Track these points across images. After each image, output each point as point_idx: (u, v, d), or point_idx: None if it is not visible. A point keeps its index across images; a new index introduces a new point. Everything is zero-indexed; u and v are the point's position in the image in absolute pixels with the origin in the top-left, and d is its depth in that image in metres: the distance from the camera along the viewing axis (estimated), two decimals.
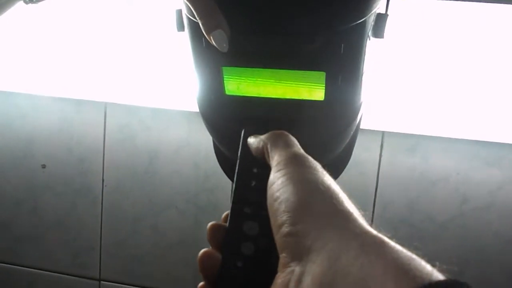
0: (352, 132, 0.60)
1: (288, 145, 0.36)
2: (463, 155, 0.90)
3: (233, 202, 0.37)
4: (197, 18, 0.44)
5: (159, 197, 1.03)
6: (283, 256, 0.30)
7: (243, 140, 0.42)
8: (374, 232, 0.28)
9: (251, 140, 0.41)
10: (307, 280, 0.27)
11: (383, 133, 0.91)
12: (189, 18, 0.48)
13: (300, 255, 0.28)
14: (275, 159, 0.35)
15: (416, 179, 0.92)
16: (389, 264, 0.25)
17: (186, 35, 0.52)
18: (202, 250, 0.35)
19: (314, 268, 0.27)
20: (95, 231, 1.08)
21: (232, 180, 0.83)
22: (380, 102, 0.86)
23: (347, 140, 0.61)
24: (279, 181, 0.32)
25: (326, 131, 0.56)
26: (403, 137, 0.91)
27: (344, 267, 0.25)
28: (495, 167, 0.89)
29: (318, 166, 0.34)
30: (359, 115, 0.57)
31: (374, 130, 0.90)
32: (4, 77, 1.01)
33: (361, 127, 0.69)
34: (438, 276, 0.24)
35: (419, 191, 0.92)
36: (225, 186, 0.99)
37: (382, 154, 0.92)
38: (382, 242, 0.27)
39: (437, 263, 0.26)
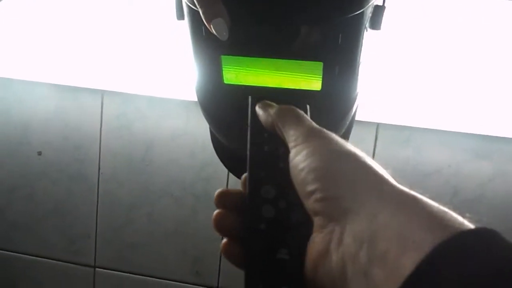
0: (347, 123, 0.61)
1: (300, 120, 0.38)
2: (455, 147, 0.91)
3: (250, 168, 0.38)
4: (197, 7, 0.45)
5: (155, 185, 1.04)
6: (318, 219, 0.31)
7: (251, 107, 0.43)
8: (407, 190, 0.31)
9: (259, 110, 0.42)
10: (349, 238, 0.28)
11: (377, 125, 0.92)
12: (189, 7, 0.49)
13: (337, 216, 0.30)
14: (291, 134, 0.36)
15: (409, 171, 0.93)
16: (424, 218, 0.27)
17: (185, 23, 0.53)
18: (216, 211, 0.38)
19: (354, 227, 0.28)
20: (90, 219, 1.09)
21: (229, 170, 0.84)
22: (375, 94, 0.87)
23: (343, 131, 0.62)
24: (303, 153, 0.34)
25: (322, 121, 0.57)
26: (397, 129, 0.92)
27: (383, 224, 0.27)
28: (486, 160, 0.91)
29: (337, 137, 0.35)
30: (355, 105, 0.58)
31: (368, 122, 0.91)
32: (1, 63, 1.01)
33: (356, 118, 0.70)
34: (469, 225, 0.27)
35: (412, 183, 0.93)
36: (221, 175, 1.00)
37: (376, 146, 0.94)
38: (416, 199, 0.29)
39: (467, 215, 0.28)
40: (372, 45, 0.58)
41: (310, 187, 0.32)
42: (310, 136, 0.35)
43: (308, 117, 0.39)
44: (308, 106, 0.44)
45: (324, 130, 0.36)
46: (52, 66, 0.99)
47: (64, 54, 0.98)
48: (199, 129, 1.00)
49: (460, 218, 0.28)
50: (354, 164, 0.32)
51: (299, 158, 0.34)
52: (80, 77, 0.99)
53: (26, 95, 1.06)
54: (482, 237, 0.26)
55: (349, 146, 0.34)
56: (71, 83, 1.00)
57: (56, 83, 1.02)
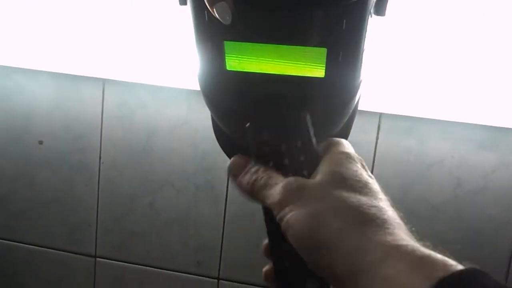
0: (350, 111, 0.61)
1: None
2: (458, 138, 0.91)
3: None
4: None
5: (156, 175, 1.03)
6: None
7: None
8: (397, 239, 0.33)
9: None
10: None
11: (380, 114, 0.92)
12: None
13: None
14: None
15: (412, 161, 0.93)
16: (404, 265, 0.30)
17: (188, 8, 0.52)
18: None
19: None
20: (91, 208, 1.08)
21: (229, 157, 0.83)
22: (379, 84, 0.87)
23: (345, 119, 0.62)
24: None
25: (324, 109, 0.57)
26: (400, 119, 0.91)
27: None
28: (489, 151, 0.90)
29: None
30: (358, 93, 0.58)
31: (371, 112, 0.90)
32: (2, 51, 1.01)
33: (359, 108, 0.69)
34: (458, 265, 0.30)
35: (415, 173, 0.93)
36: (222, 165, 1.00)
37: (379, 136, 0.93)
38: (400, 248, 0.32)
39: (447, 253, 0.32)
40: (376, 31, 0.57)
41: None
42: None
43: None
44: (308, 116, 0.44)
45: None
46: (54, 54, 0.98)
47: (66, 42, 0.97)
48: (201, 119, 0.99)
49: (446, 259, 0.31)
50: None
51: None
52: (81, 66, 0.98)
53: (27, 83, 1.06)
54: (473, 278, 0.29)
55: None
56: (72, 71, 1.00)
57: (57, 72, 1.01)
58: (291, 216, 0.34)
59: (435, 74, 0.85)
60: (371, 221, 0.33)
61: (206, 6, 0.44)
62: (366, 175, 0.38)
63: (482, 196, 0.92)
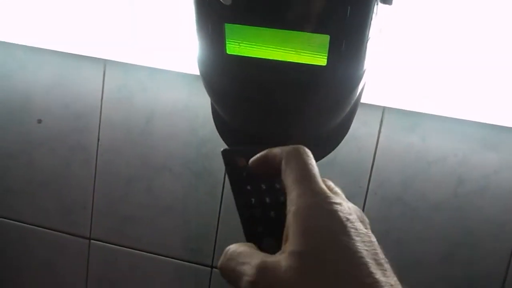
0: (352, 101, 0.59)
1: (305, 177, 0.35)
2: (462, 136, 0.89)
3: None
4: None
5: (154, 159, 1.02)
6: None
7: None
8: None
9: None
10: None
11: (383, 108, 0.90)
12: None
13: None
14: (292, 195, 0.34)
15: (413, 158, 0.91)
16: None
17: None
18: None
19: None
20: (87, 190, 1.08)
21: (228, 146, 0.82)
22: (384, 78, 0.85)
23: (347, 109, 0.60)
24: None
25: (326, 98, 0.55)
26: (404, 114, 0.90)
27: None
28: (493, 151, 0.89)
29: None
30: (361, 83, 0.56)
31: (375, 105, 0.89)
32: (4, 28, 1.00)
33: (362, 101, 0.68)
34: None
35: (416, 170, 0.92)
36: (220, 152, 0.98)
37: (381, 130, 0.92)
38: None
39: None
40: (383, 20, 0.56)
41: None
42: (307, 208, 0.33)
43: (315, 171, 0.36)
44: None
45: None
46: (56, 33, 0.97)
47: (69, 21, 0.96)
48: (201, 104, 0.98)
49: None
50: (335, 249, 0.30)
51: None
52: (83, 45, 0.97)
53: (28, 61, 1.05)
54: None
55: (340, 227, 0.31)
56: (74, 51, 0.98)
57: (59, 51, 1.00)
58: None
59: (442, 71, 0.83)
60: None
61: None
62: (343, 239, 0.30)
63: (482, 196, 0.90)
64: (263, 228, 0.37)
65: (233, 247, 0.35)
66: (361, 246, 0.30)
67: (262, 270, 0.31)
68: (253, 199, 0.38)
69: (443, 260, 0.94)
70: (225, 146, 0.94)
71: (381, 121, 0.91)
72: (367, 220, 0.35)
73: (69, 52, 0.99)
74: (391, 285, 0.29)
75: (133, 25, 0.93)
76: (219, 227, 1.02)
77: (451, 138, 0.90)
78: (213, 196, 1.01)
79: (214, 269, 1.04)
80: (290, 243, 0.31)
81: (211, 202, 1.01)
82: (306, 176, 0.34)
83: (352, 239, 0.30)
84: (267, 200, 0.39)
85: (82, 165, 1.07)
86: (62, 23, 0.96)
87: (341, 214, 0.32)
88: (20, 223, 1.13)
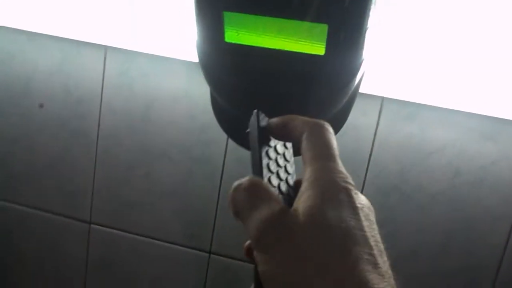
0: (350, 91, 0.60)
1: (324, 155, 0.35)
2: (460, 127, 0.90)
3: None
4: None
5: (154, 145, 1.03)
6: None
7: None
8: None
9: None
10: None
11: (382, 98, 0.91)
12: None
13: None
14: (307, 171, 0.34)
15: (411, 148, 0.92)
16: None
17: None
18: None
19: None
20: (88, 175, 1.08)
21: (227, 134, 0.83)
22: (383, 68, 0.85)
23: (346, 98, 0.61)
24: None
25: (324, 87, 0.56)
26: (402, 104, 0.90)
27: None
28: (490, 142, 0.89)
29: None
30: (359, 73, 0.56)
31: (373, 95, 0.89)
32: (5, 13, 1.00)
33: (361, 91, 0.68)
34: None
35: (413, 160, 0.92)
36: (220, 140, 0.99)
37: (380, 120, 0.92)
38: None
39: None
40: (381, 11, 0.56)
41: None
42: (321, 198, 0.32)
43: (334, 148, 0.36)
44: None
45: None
46: (58, 18, 0.97)
47: (71, 7, 0.96)
48: (201, 92, 0.98)
49: None
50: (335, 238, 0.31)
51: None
52: (84, 31, 0.97)
53: (30, 46, 1.05)
54: None
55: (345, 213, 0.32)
56: (75, 37, 0.98)
57: (60, 36, 1.00)
58: (267, 270, 0.31)
59: (441, 62, 0.83)
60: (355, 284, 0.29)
61: None
62: (353, 220, 0.31)
63: (479, 187, 0.91)
64: (277, 189, 0.37)
65: (249, 181, 0.35)
66: (368, 231, 0.31)
67: (283, 211, 0.32)
68: (269, 162, 0.38)
69: (439, 250, 0.95)
70: (225, 135, 0.94)
71: (380, 111, 0.91)
72: (374, 214, 0.36)
73: (70, 38, 0.99)
74: (387, 274, 0.30)
75: (134, 12, 0.93)
76: (218, 213, 1.03)
77: (449, 129, 0.90)
78: (212, 182, 1.02)
79: (212, 255, 1.05)
80: (306, 200, 0.32)
81: (210, 188, 1.02)
82: (328, 154, 0.35)
83: (362, 220, 0.31)
84: (280, 162, 0.38)
85: (83, 150, 1.07)
86: (64, 8, 0.96)
87: (355, 196, 0.33)
88: (22, 207, 1.14)
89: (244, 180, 0.35)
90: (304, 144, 0.36)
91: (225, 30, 0.53)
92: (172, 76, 0.99)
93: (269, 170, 0.37)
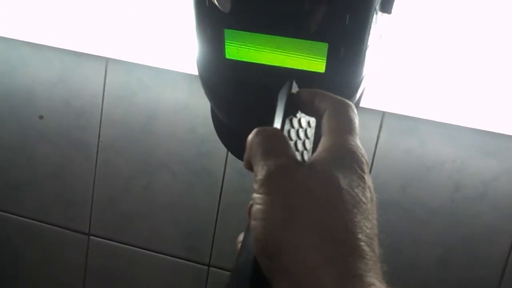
0: None
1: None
2: (461, 142, 0.89)
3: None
4: None
5: (154, 157, 1.03)
6: None
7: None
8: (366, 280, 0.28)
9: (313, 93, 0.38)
10: None
11: (383, 113, 0.91)
12: None
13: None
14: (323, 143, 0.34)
15: (412, 162, 0.92)
16: None
17: None
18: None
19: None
20: (87, 186, 1.08)
21: (227, 148, 0.83)
22: (384, 83, 0.85)
23: None
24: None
25: None
26: (403, 119, 0.90)
27: None
28: (491, 158, 0.89)
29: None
30: (359, 90, 0.56)
31: (374, 110, 0.89)
32: (7, 24, 1.00)
33: (362, 105, 0.68)
34: None
35: (414, 174, 0.92)
36: (220, 152, 0.99)
37: (380, 134, 0.92)
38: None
39: None
40: (383, 28, 0.56)
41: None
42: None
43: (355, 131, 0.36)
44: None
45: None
46: (59, 30, 0.98)
47: (72, 19, 0.96)
48: (201, 104, 0.98)
49: None
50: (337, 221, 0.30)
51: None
52: (86, 43, 0.97)
53: (31, 57, 1.05)
54: None
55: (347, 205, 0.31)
56: (76, 48, 0.99)
57: (62, 48, 1.00)
58: (261, 208, 0.30)
59: (442, 77, 0.83)
60: (343, 259, 0.28)
61: None
62: (361, 191, 0.31)
63: (480, 202, 0.91)
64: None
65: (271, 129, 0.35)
66: (371, 209, 0.32)
67: (298, 163, 0.32)
68: (291, 129, 0.37)
69: (439, 264, 0.94)
70: (223, 147, 0.94)
71: (381, 125, 0.91)
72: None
73: (72, 49, 0.99)
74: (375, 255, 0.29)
75: (136, 24, 0.93)
76: (217, 226, 1.03)
77: (449, 144, 0.90)
78: (211, 195, 1.01)
79: (211, 268, 1.05)
80: (320, 160, 0.32)
81: (209, 200, 1.02)
82: (349, 129, 0.35)
83: (367, 197, 0.32)
84: (301, 135, 0.38)
85: (83, 162, 1.07)
86: (65, 20, 0.96)
87: (367, 174, 0.33)
88: (21, 217, 1.14)
89: (267, 127, 0.35)
90: (326, 118, 0.36)
91: (226, 46, 0.53)
92: (173, 88, 0.99)
93: (289, 137, 0.36)
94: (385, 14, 0.51)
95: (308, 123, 0.39)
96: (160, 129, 1.01)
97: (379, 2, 0.48)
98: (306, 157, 0.37)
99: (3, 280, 1.19)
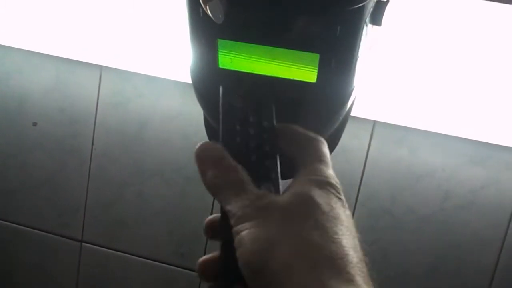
0: (341, 118, 0.61)
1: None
2: (450, 152, 0.91)
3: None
4: None
5: (147, 164, 1.03)
6: None
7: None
8: None
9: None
10: None
11: (374, 122, 0.92)
12: None
13: None
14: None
15: (402, 171, 0.93)
16: None
17: (184, 3, 0.52)
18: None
19: None
20: (81, 193, 1.08)
21: None
22: (375, 92, 0.87)
23: (336, 125, 0.62)
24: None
25: (315, 113, 0.57)
26: (394, 128, 0.91)
27: None
28: (480, 167, 0.90)
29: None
30: (350, 100, 0.57)
31: (365, 119, 0.90)
32: (1, 31, 1.00)
33: (353, 114, 0.69)
34: None
35: (404, 183, 0.93)
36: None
37: (371, 143, 0.93)
38: None
39: None
40: (373, 40, 0.57)
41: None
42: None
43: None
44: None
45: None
46: (54, 37, 0.98)
47: (66, 27, 0.97)
48: (195, 111, 0.99)
49: None
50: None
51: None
52: (80, 51, 0.98)
53: (25, 64, 1.06)
54: None
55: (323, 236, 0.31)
56: (71, 56, 0.99)
57: (56, 55, 1.01)
58: (248, 234, 0.31)
59: (432, 87, 0.85)
60: (331, 264, 0.29)
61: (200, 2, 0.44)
62: (339, 207, 0.32)
63: (469, 211, 0.92)
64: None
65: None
66: (353, 232, 0.32)
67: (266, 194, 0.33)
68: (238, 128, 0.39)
69: (429, 272, 0.95)
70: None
71: (371, 134, 0.93)
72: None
73: (66, 57, 1.00)
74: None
75: (130, 32, 0.94)
76: None
77: (439, 153, 0.91)
78: (204, 202, 1.02)
79: None
80: (294, 187, 0.34)
81: (202, 207, 1.02)
82: (322, 160, 0.37)
83: (349, 218, 0.33)
84: (252, 132, 0.39)
85: (76, 169, 1.08)
86: (60, 28, 0.97)
87: (344, 200, 0.34)
88: (13, 224, 1.13)
89: (205, 146, 0.39)
90: (299, 152, 0.38)
91: (219, 56, 0.54)
92: (166, 96, 1.00)
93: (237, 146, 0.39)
94: (375, 26, 0.52)
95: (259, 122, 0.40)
96: (153, 137, 1.02)
97: (370, 15, 0.49)
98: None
99: None
